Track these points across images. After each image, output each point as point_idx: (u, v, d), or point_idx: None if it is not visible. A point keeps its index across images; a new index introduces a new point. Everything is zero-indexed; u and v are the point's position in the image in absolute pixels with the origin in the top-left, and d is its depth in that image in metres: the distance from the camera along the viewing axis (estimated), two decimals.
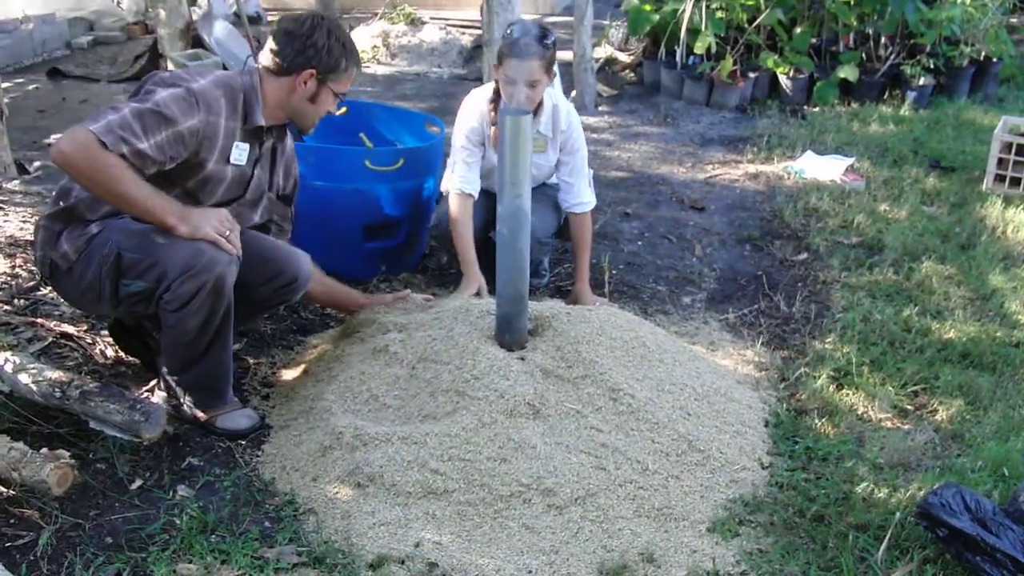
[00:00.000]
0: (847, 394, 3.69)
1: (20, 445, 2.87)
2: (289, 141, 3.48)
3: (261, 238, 3.42)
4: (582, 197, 4.30)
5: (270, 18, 10.48)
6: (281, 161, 3.44)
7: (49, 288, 3.96)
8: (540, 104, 4.11)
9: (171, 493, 2.97)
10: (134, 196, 2.89)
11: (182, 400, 3.24)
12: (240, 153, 3.18)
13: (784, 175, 6.25)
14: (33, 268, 4.18)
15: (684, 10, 7.75)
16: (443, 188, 4.37)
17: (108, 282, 3.07)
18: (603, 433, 3.10)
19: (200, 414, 3.25)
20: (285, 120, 3.32)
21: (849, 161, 6.28)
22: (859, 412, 3.59)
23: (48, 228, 3.17)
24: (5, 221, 4.71)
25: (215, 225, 2.98)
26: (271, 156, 3.39)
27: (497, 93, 4.11)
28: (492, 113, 4.16)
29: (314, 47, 3.15)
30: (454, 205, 4.14)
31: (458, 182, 4.16)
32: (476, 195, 4.18)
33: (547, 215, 4.29)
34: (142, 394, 3.37)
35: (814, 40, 8.19)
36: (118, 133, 2.82)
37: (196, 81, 3.08)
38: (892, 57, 7.95)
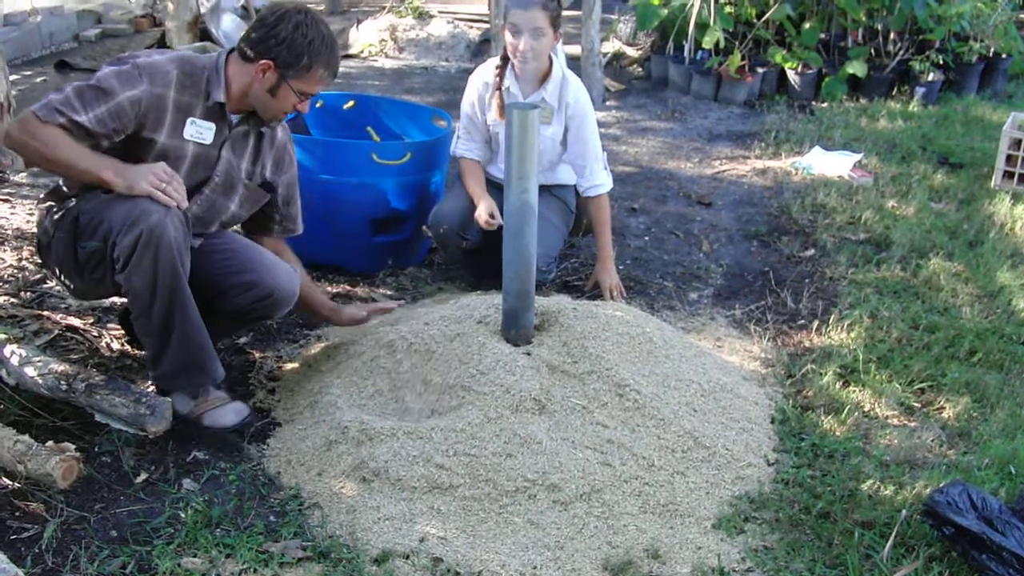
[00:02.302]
0: (853, 391, 3.68)
1: (25, 438, 2.87)
2: (281, 134, 3.41)
3: (248, 248, 3.36)
4: (595, 179, 4.29)
5: None
6: (270, 152, 3.38)
7: (55, 282, 3.96)
8: (548, 73, 4.13)
9: (176, 487, 2.98)
10: (71, 158, 2.92)
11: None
12: (199, 130, 3.13)
13: (792, 171, 6.23)
14: (39, 260, 4.19)
15: (692, 5, 7.74)
16: (452, 151, 4.45)
17: (69, 246, 3.11)
18: (609, 429, 3.10)
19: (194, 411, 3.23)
20: (252, 108, 3.23)
21: (857, 157, 6.26)
22: (865, 409, 3.58)
23: (41, 210, 3.25)
24: (12, 213, 4.71)
25: (150, 180, 2.92)
26: (254, 144, 3.33)
27: (504, 60, 4.14)
28: (497, 79, 4.17)
29: (275, 38, 3.06)
30: (461, 164, 4.40)
31: (460, 150, 4.40)
32: (478, 158, 4.37)
33: (552, 233, 4.26)
34: (148, 387, 3.36)
35: (823, 35, 8.17)
36: (55, 107, 2.89)
37: (150, 57, 3.08)
38: (901, 53, 7.94)
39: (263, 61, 3.07)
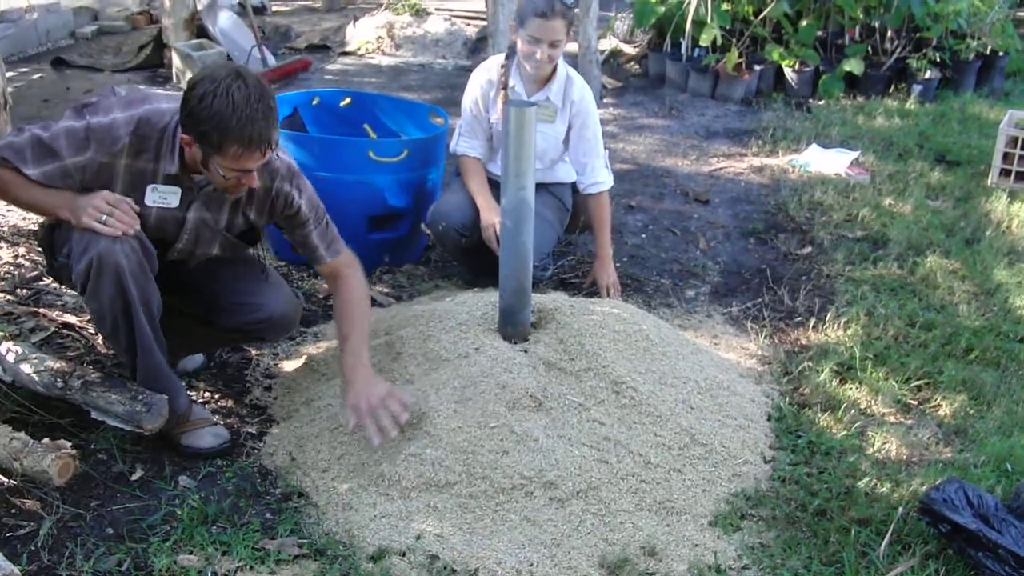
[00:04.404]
0: (850, 388, 3.69)
1: (22, 435, 2.87)
2: (263, 182, 3.05)
3: (254, 267, 3.34)
4: (597, 177, 4.29)
5: (275, 8, 10.47)
6: (250, 204, 3.14)
7: (51, 279, 3.97)
8: (554, 72, 4.13)
9: (172, 484, 2.97)
10: (26, 199, 2.92)
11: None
12: (162, 196, 2.97)
13: (789, 168, 6.23)
14: (35, 258, 4.19)
15: (689, 2, 7.73)
16: (452, 148, 4.43)
17: (48, 254, 3.12)
18: (605, 426, 3.10)
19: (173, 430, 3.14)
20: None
21: (854, 155, 6.26)
22: (862, 406, 3.58)
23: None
24: (8, 210, 4.70)
25: (89, 212, 2.84)
26: (232, 200, 3.10)
27: (509, 58, 4.14)
28: (503, 76, 4.17)
29: (186, 109, 2.77)
30: (462, 163, 4.35)
31: (462, 148, 4.36)
32: (479, 156, 4.33)
33: (546, 229, 4.24)
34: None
35: (820, 33, 8.15)
36: (5, 154, 2.84)
37: (108, 114, 2.91)
38: (898, 51, 7.93)
39: (183, 136, 2.85)
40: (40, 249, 3.34)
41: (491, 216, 4.04)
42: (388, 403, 3.01)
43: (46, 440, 2.87)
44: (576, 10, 4.02)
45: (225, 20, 8.25)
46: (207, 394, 3.48)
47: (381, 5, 9.89)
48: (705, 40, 7.72)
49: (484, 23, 9.14)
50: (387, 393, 3.03)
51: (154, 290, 2.98)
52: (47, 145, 2.85)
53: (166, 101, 3.01)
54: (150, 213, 3.00)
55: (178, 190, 3.00)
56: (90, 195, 2.88)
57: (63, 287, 3.80)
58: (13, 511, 2.78)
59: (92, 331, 3.73)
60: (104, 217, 2.85)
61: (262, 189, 3.08)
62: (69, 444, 2.89)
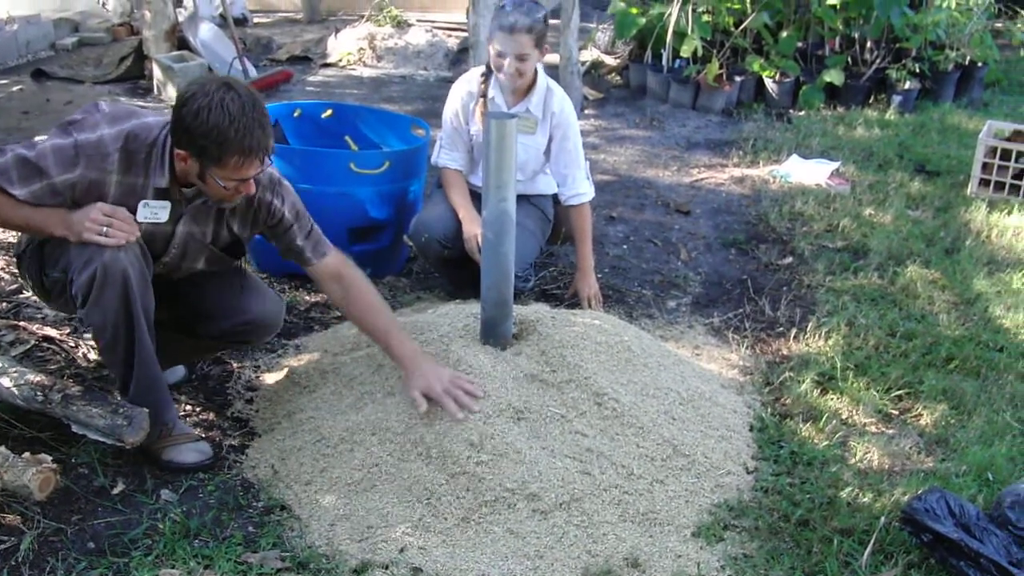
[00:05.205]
0: (831, 398, 3.70)
1: (2, 449, 2.84)
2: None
3: (239, 273, 3.32)
4: (578, 188, 4.29)
5: (256, 20, 10.45)
6: (233, 215, 3.15)
7: (30, 292, 3.95)
8: (533, 84, 4.14)
9: (154, 497, 2.96)
10: (16, 219, 2.89)
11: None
12: (153, 211, 2.96)
13: (769, 179, 6.25)
14: (15, 271, 4.17)
15: (670, 13, 7.76)
16: (433, 160, 4.42)
17: (37, 271, 3.09)
18: (588, 437, 3.10)
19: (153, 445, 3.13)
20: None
21: (834, 165, 6.29)
22: (843, 417, 3.59)
23: None
24: None
25: (88, 226, 2.83)
26: (215, 211, 3.10)
27: (489, 70, 4.15)
28: (483, 85, 4.18)
29: (181, 126, 2.79)
30: (444, 175, 4.36)
31: (443, 160, 4.35)
32: (461, 168, 4.33)
33: (528, 241, 4.25)
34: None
35: (800, 44, 8.20)
36: None
37: (96, 131, 2.89)
38: (878, 61, 7.98)
39: (178, 151, 2.85)
40: (18, 272, 3.28)
41: (473, 227, 4.05)
42: (459, 382, 3.13)
43: (26, 454, 2.85)
44: (546, 24, 3.99)
45: (206, 32, 8.24)
46: (188, 407, 3.46)
47: (363, 17, 9.89)
48: (686, 51, 7.75)
49: (465, 35, 9.15)
50: (454, 374, 3.16)
51: (152, 300, 2.98)
52: (33, 164, 2.82)
53: (152, 116, 3.01)
54: (139, 228, 2.97)
55: (168, 204, 2.99)
56: (84, 209, 2.86)
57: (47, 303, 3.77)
58: None
59: (72, 344, 3.71)
60: (104, 229, 2.85)
61: (244, 201, 3.08)
62: (50, 458, 2.86)
